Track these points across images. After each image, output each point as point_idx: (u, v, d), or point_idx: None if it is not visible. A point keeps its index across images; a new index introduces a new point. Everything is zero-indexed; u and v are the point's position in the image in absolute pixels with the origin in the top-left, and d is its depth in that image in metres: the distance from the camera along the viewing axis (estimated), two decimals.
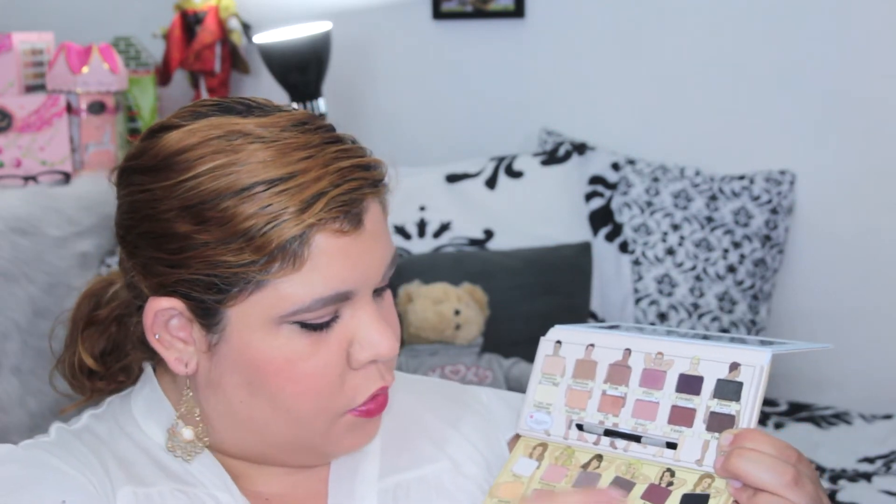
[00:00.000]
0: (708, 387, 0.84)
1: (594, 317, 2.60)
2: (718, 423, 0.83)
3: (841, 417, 2.50)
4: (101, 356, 1.03)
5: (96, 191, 2.52)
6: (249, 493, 0.97)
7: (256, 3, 3.01)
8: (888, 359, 2.67)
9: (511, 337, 2.44)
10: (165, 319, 0.92)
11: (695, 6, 2.75)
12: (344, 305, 0.90)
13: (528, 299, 2.50)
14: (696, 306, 2.58)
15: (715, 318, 2.57)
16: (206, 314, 0.90)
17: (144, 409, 0.98)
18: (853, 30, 2.63)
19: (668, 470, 0.84)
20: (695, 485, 0.82)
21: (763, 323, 2.62)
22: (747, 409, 0.82)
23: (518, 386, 2.32)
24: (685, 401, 0.84)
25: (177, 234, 0.88)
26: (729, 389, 0.83)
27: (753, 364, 0.82)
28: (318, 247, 0.87)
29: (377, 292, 0.94)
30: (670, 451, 0.84)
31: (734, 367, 0.83)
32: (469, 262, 2.54)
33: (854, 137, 2.65)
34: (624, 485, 0.85)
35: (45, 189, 2.44)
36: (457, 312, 2.34)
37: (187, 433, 0.94)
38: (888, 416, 2.48)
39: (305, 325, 0.89)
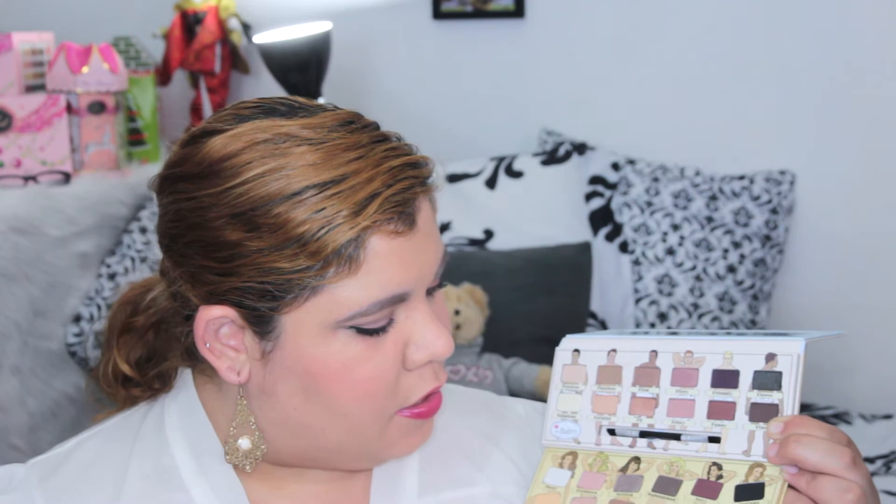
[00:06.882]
0: (745, 379, 0.87)
1: (594, 317, 2.60)
2: (761, 413, 0.85)
3: (841, 417, 2.49)
4: (138, 363, 1.00)
5: (96, 191, 2.52)
6: None
7: (256, 3, 3.01)
8: (888, 359, 2.67)
9: (511, 337, 2.44)
10: (216, 328, 0.89)
11: (694, 6, 2.75)
12: (399, 307, 0.88)
13: (528, 299, 2.49)
14: (696, 306, 2.58)
15: (715, 318, 2.57)
16: (260, 322, 0.88)
17: (177, 418, 0.96)
18: (853, 29, 2.63)
19: (715, 464, 0.86)
20: (746, 475, 0.85)
21: (763, 323, 2.62)
22: (790, 397, 0.85)
23: (518, 386, 2.32)
24: (723, 395, 0.88)
25: (227, 241, 0.86)
26: (769, 379, 0.86)
27: (790, 353, 0.86)
28: (374, 249, 0.85)
29: (429, 292, 0.92)
30: (714, 445, 0.87)
31: (770, 357, 0.86)
32: (469, 262, 2.54)
33: (854, 137, 2.65)
34: (669, 483, 0.87)
35: (45, 189, 2.44)
36: (457, 312, 2.34)
37: (244, 443, 0.92)
38: (888, 416, 2.48)
39: (361, 330, 0.87)
